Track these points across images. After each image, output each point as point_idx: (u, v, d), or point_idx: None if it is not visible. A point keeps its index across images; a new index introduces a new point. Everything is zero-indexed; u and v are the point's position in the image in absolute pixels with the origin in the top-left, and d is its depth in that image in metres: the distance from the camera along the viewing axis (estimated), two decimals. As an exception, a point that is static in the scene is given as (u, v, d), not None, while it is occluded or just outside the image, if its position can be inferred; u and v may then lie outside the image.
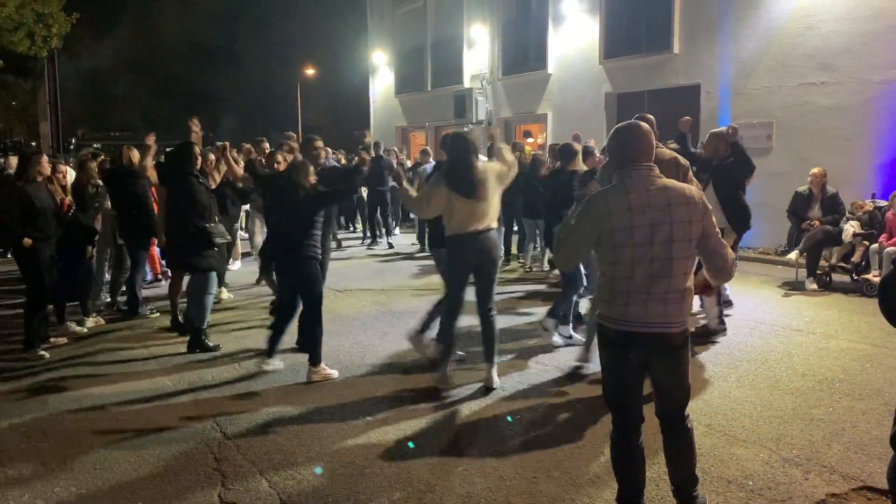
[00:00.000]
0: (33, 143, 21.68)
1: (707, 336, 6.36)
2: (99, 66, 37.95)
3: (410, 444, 4.23)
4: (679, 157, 5.66)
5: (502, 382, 5.34)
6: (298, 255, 5.45)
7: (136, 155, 7.53)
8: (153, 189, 7.79)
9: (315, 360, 5.55)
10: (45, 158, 6.38)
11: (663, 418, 3.28)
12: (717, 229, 3.16)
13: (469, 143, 5.19)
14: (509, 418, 4.71)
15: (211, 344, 6.35)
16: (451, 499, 3.66)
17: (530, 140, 17.61)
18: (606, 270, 3.15)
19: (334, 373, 5.61)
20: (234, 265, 10.26)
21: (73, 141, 27.15)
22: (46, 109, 22.42)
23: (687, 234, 3.05)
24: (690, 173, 5.68)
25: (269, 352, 5.65)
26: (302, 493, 3.74)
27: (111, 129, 41.76)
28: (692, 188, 3.18)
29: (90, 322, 7.20)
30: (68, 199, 6.67)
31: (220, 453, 4.23)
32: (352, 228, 16.21)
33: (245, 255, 10.98)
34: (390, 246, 12.96)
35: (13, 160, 11.81)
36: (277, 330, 5.70)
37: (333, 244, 10.27)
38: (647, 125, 3.25)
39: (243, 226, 12.47)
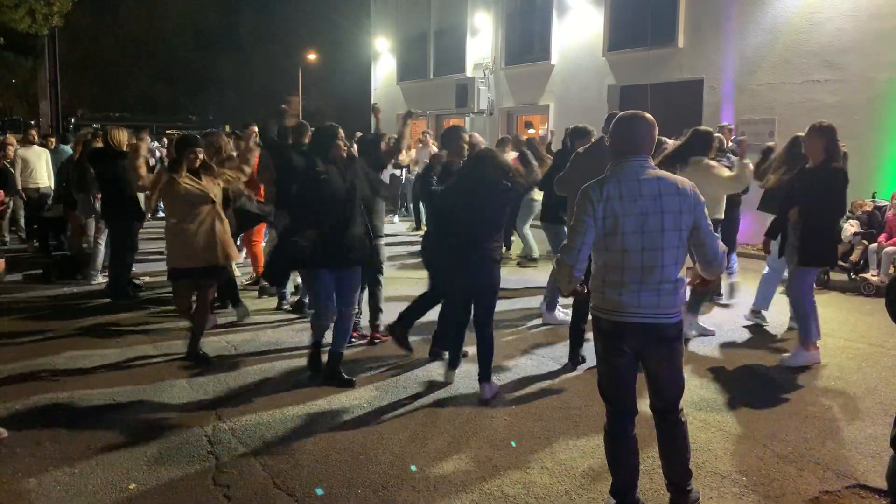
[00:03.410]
0: (32, 122, 21.60)
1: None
2: (99, 47, 37.77)
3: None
4: None
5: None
6: (483, 257, 4.87)
7: (123, 135, 7.49)
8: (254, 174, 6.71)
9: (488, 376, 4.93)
10: None
11: (657, 411, 3.29)
12: (709, 221, 3.17)
13: None
14: (506, 423, 4.71)
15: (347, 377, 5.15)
16: (445, 487, 3.66)
17: (531, 131, 17.58)
18: (598, 259, 3.18)
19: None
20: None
21: (73, 120, 27.05)
22: (46, 88, 22.32)
23: (677, 224, 3.07)
24: None
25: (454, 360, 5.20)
26: (296, 477, 3.74)
27: (111, 110, 41.59)
28: (685, 179, 3.18)
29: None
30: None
31: (214, 436, 4.23)
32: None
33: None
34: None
35: (12, 138, 11.76)
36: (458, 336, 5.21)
37: None
38: (651, 117, 3.23)
39: None
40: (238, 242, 8.44)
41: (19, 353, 5.75)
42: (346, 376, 5.11)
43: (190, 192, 5.41)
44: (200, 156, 5.54)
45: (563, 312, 6.70)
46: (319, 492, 3.63)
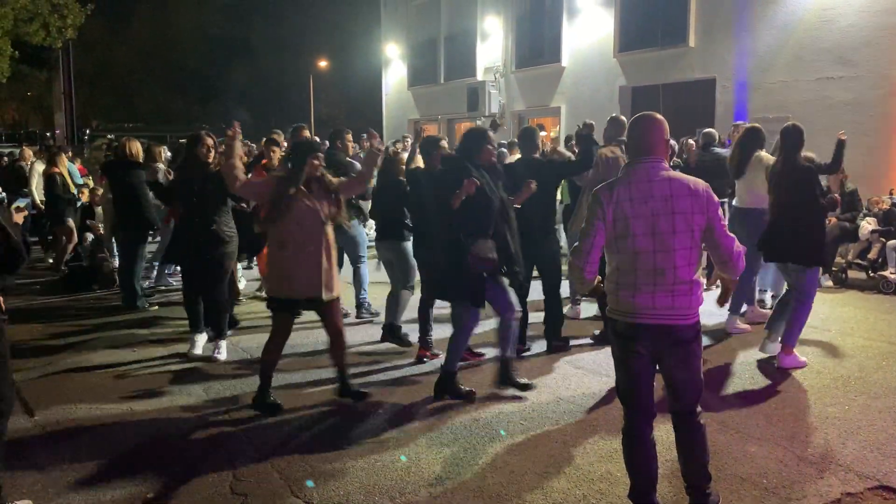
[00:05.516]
0: (48, 133, 21.86)
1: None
2: (112, 58, 38.13)
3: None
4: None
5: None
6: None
7: (136, 146, 7.55)
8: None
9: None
10: None
11: (675, 414, 3.26)
12: (723, 221, 3.14)
13: None
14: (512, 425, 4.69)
15: (465, 389, 4.93)
16: (461, 493, 3.64)
17: (543, 133, 17.58)
18: (612, 261, 3.19)
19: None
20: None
21: (88, 132, 27.36)
22: (61, 100, 22.58)
23: (689, 225, 3.05)
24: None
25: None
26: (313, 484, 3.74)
27: (124, 121, 41.96)
28: (697, 180, 3.16)
29: None
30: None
31: (230, 444, 4.24)
32: None
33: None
34: None
35: (28, 151, 11.92)
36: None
37: None
38: (662, 118, 3.22)
39: None
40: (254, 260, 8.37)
41: (36, 364, 5.79)
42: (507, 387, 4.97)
43: (300, 209, 4.57)
44: (319, 163, 4.68)
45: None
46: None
